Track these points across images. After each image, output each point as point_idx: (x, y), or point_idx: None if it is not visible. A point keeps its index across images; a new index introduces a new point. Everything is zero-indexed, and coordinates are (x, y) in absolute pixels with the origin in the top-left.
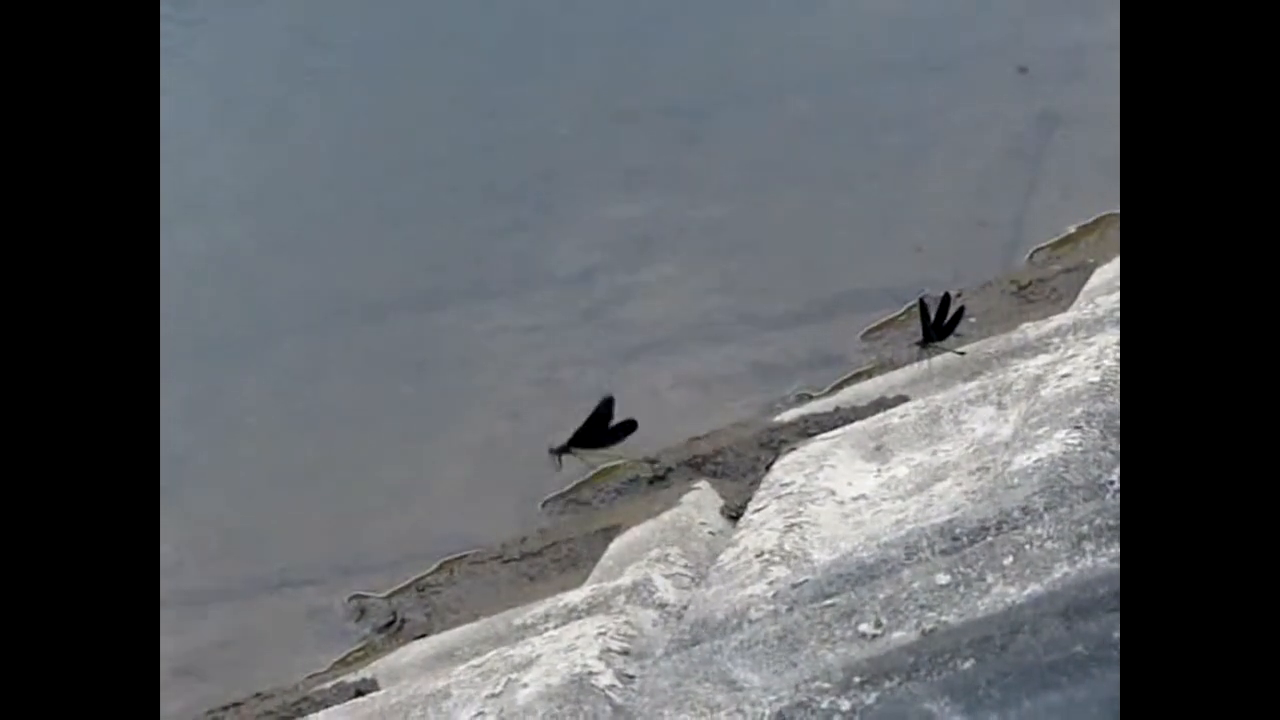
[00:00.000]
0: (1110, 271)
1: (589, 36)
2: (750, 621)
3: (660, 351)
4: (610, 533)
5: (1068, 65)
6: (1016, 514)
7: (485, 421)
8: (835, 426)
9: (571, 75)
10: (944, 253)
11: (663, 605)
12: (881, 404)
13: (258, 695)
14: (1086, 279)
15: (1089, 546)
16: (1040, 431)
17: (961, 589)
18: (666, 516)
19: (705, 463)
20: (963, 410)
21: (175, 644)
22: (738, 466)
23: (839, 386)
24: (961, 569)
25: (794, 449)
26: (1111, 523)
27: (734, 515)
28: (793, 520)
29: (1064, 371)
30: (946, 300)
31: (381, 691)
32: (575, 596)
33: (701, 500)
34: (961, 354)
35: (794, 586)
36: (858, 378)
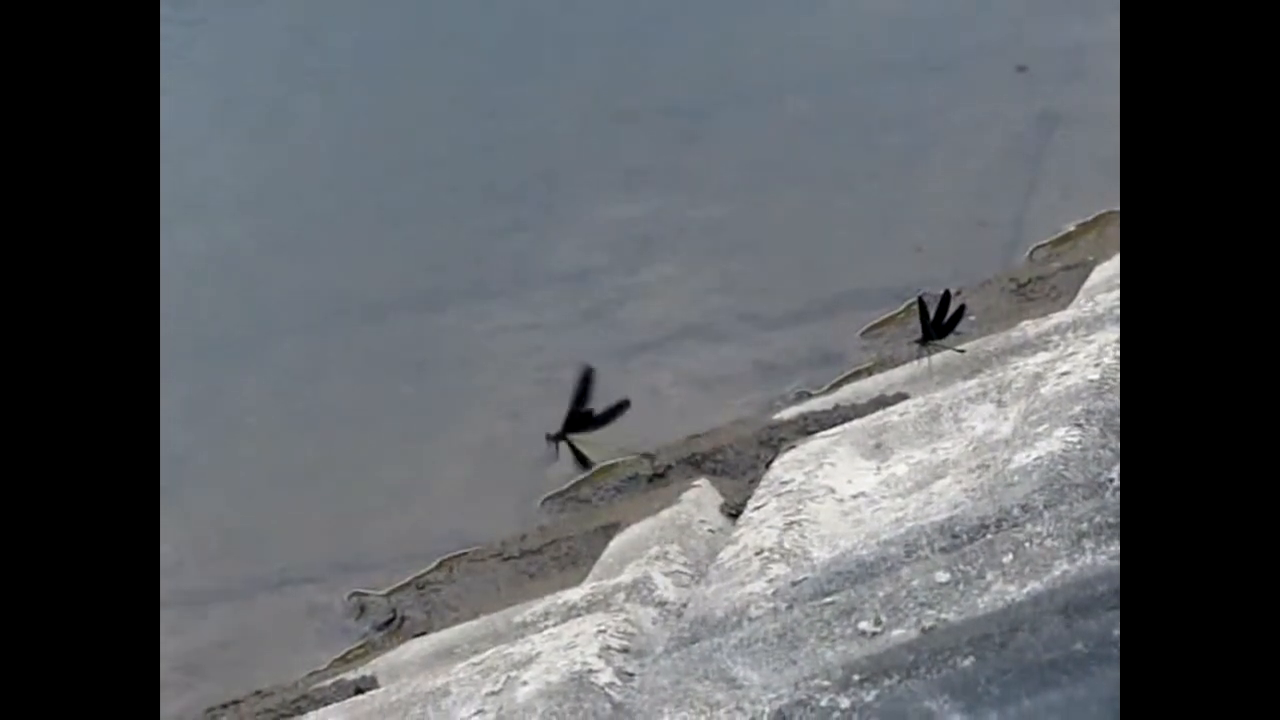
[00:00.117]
0: (1110, 269)
1: (589, 36)
2: (750, 619)
3: (660, 350)
4: (610, 530)
5: (1067, 64)
6: (1016, 512)
7: (485, 420)
8: (835, 424)
9: (571, 75)
10: (944, 251)
11: (662, 603)
12: (881, 402)
13: (258, 693)
14: (1086, 277)
15: (1089, 544)
16: (1040, 429)
17: (961, 587)
18: (666, 514)
19: (705, 460)
20: (962, 408)
21: (175, 642)
22: (737, 464)
23: (839, 384)
24: (961, 567)
25: (794, 447)
26: (1111, 520)
27: (734, 513)
28: (792, 518)
29: (1063, 369)
30: (946, 298)
31: (381, 689)
32: (575, 594)
33: (701, 498)
34: (961, 352)
35: (794, 584)
36: (857, 376)
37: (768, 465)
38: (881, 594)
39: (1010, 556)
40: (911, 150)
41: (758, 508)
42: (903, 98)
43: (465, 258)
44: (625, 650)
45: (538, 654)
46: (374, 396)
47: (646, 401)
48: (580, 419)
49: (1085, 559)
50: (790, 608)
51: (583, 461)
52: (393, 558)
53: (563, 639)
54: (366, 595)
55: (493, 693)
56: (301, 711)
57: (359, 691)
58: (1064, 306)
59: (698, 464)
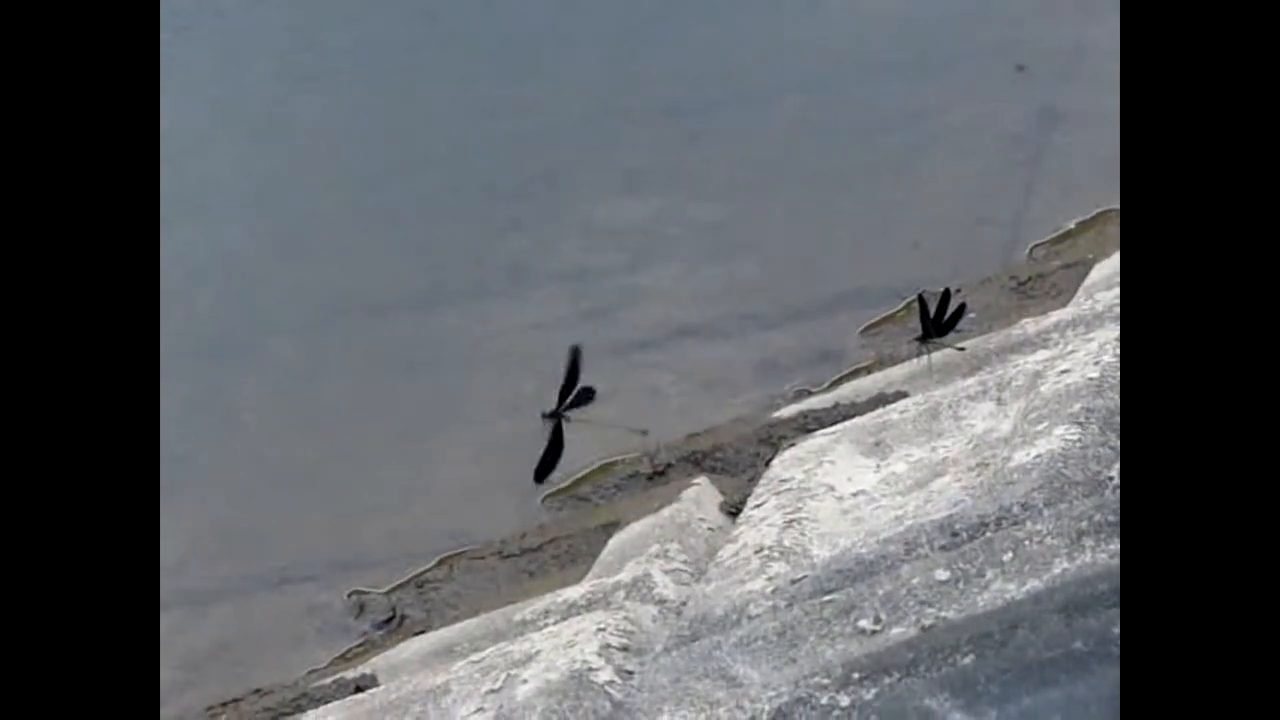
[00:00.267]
0: (1109, 267)
1: (589, 36)
2: (749, 617)
3: (660, 349)
4: (610, 529)
5: (1067, 64)
6: (1016, 510)
7: (485, 419)
8: (835, 422)
9: (571, 75)
10: (944, 250)
11: (662, 601)
12: (881, 400)
13: (258, 691)
14: (1086, 275)
15: (1088, 542)
16: (1040, 427)
17: (961, 585)
18: (666, 512)
19: (705, 459)
20: (962, 406)
21: (176, 641)
22: (737, 462)
23: (838, 383)
24: (961, 565)
25: (793, 445)
26: (1111, 519)
27: (733, 511)
28: (792, 516)
29: (1063, 367)
30: (947, 297)
31: (381, 687)
32: (574, 592)
33: (701, 496)
34: (961, 350)
35: (793, 582)
36: (857, 374)
37: (767, 463)
38: (881, 592)
39: (1010, 554)
40: (911, 149)
41: (757, 506)
42: (902, 97)
43: (465, 258)
44: (625, 648)
45: (537, 652)
46: (374, 395)
47: (647, 400)
48: (572, 398)
49: (1085, 557)
50: (790, 606)
51: (555, 445)
52: (392, 556)
53: (562, 637)
54: (366, 594)
55: (493, 691)
56: (301, 710)
57: (359, 690)
58: (1064, 304)
59: (698, 462)
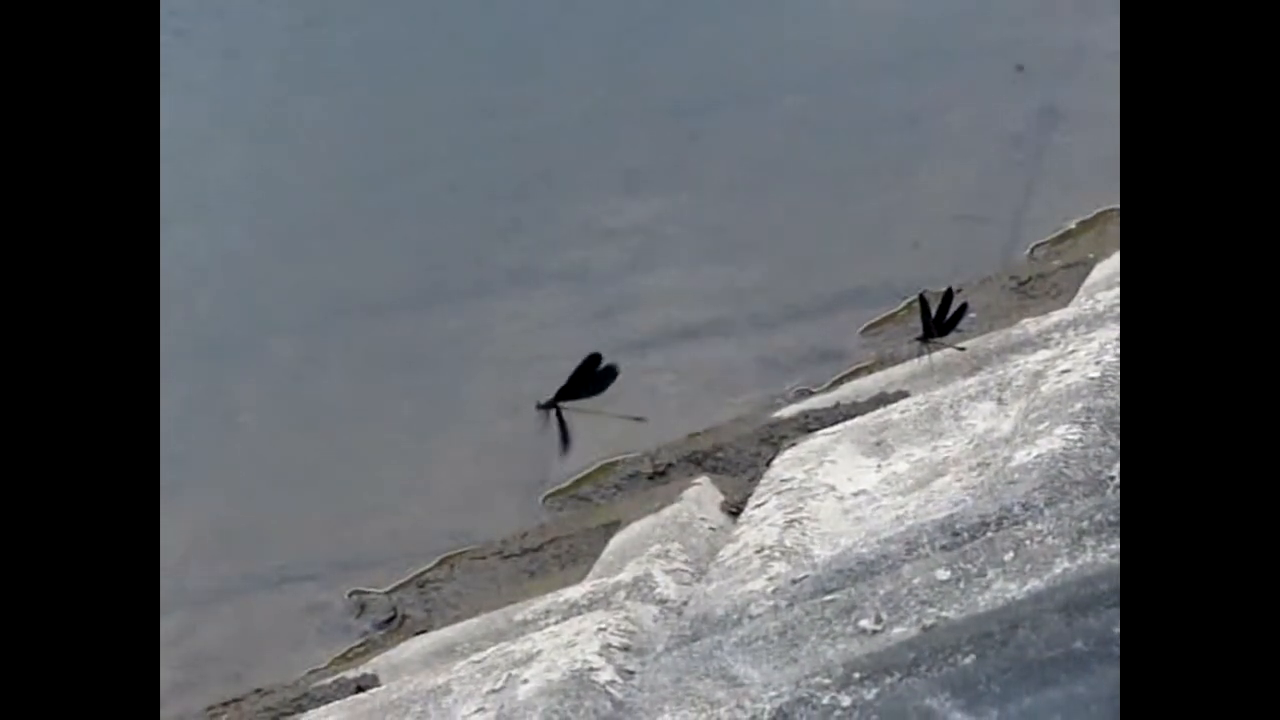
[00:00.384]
0: (1110, 267)
1: (589, 36)
2: (750, 617)
3: (660, 348)
4: (611, 528)
5: (1067, 64)
6: (1017, 510)
7: (485, 418)
8: (835, 422)
9: (571, 75)
10: (944, 249)
11: (663, 601)
12: (882, 400)
13: (258, 691)
14: (1086, 275)
15: (1089, 542)
16: (1041, 427)
17: (962, 585)
18: (667, 512)
19: (706, 458)
20: (963, 406)
21: (176, 641)
22: (738, 462)
23: (839, 382)
24: (962, 565)
25: (794, 445)
26: (1112, 518)
27: (734, 511)
28: (793, 516)
29: (1064, 367)
30: (948, 296)
31: (382, 687)
32: (575, 592)
33: (702, 496)
34: (962, 349)
35: (794, 582)
36: (858, 373)
37: (768, 463)
38: (882, 592)
39: (1011, 554)
40: (911, 149)
41: (758, 505)
42: (902, 97)
43: (465, 258)
44: (626, 648)
45: (538, 652)
46: (374, 395)
47: (647, 400)
48: (572, 391)
49: (1086, 557)
50: (791, 605)
51: (565, 439)
52: (393, 556)
53: (563, 637)
54: (367, 593)
55: (494, 691)
56: (302, 710)
57: (360, 690)
58: (1064, 304)
59: (698, 462)
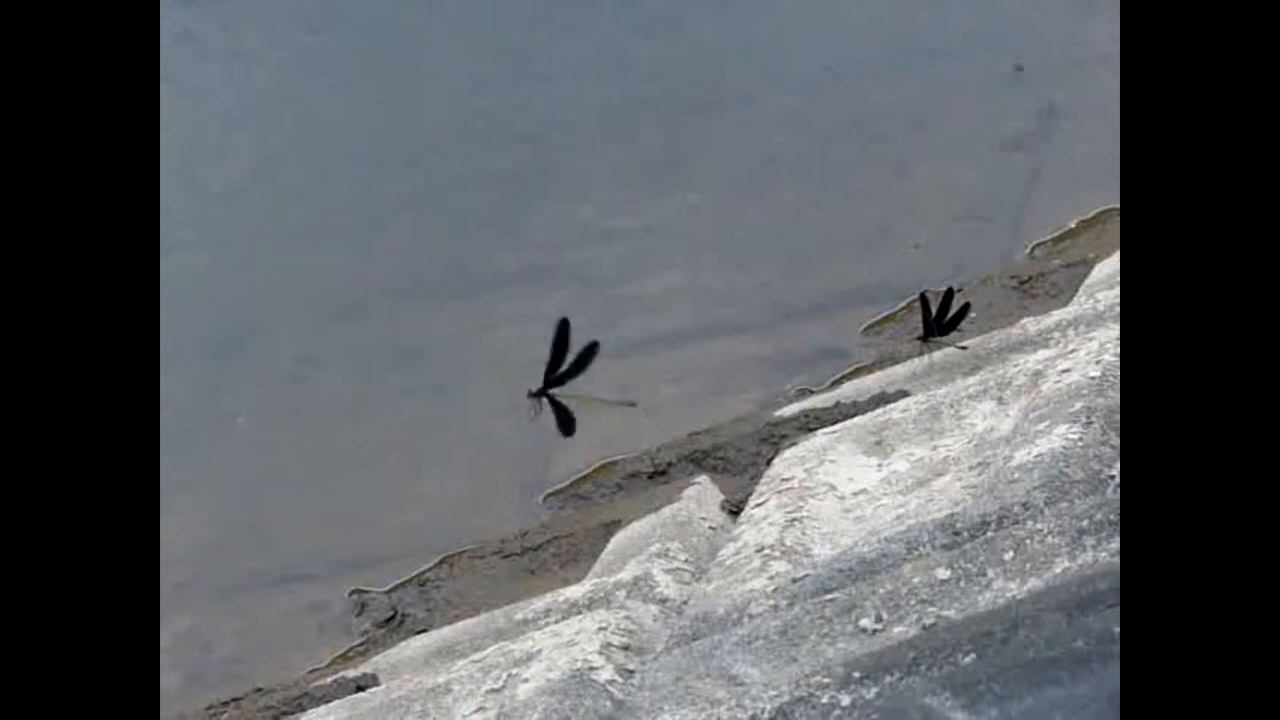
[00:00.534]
0: (1110, 266)
1: (589, 35)
2: (751, 616)
3: (661, 346)
4: (611, 527)
5: (1067, 63)
6: (1017, 509)
7: (486, 417)
8: (836, 421)
9: (573, 75)
10: (944, 249)
11: (663, 600)
12: (882, 399)
13: (258, 690)
14: (1087, 274)
15: (1089, 541)
16: (1041, 426)
17: (962, 584)
18: (667, 511)
19: (706, 457)
20: (963, 405)
21: (175, 640)
22: (738, 461)
23: (839, 381)
24: (962, 564)
25: (794, 444)
26: (1112, 517)
27: (734, 510)
28: (793, 515)
29: (1064, 366)
30: (949, 296)
31: (382, 687)
32: (576, 591)
33: (702, 495)
34: (963, 349)
35: (794, 581)
36: (858, 373)
37: (769, 462)
38: (882, 591)
39: (1011, 553)
40: (911, 149)
41: (759, 505)
42: (902, 97)
43: (466, 255)
44: (626, 647)
45: (539, 651)
46: (373, 395)
47: (647, 400)
48: (558, 375)
49: (1086, 556)
50: (791, 605)
51: (564, 424)
52: (393, 555)
53: (564, 636)
54: (367, 592)
55: (493, 690)
56: (303, 709)
57: (360, 689)
58: (1065, 304)
59: (699, 461)
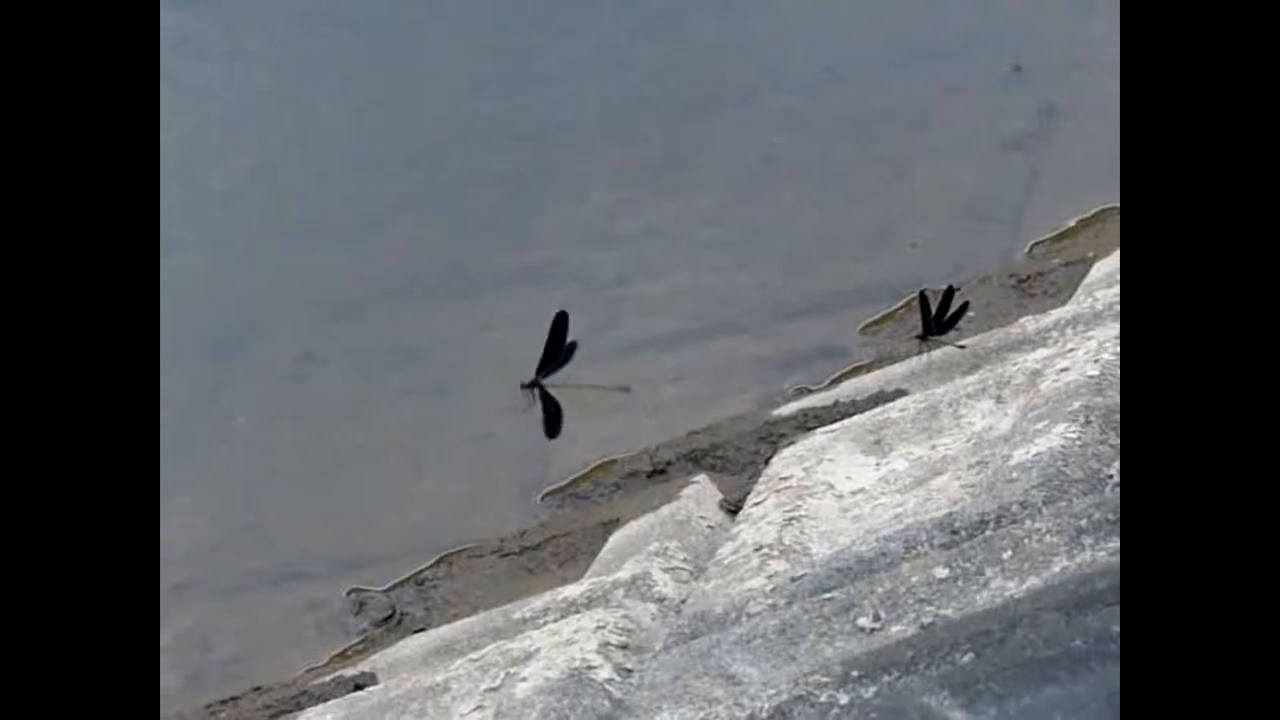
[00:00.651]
0: (1109, 265)
1: (589, 35)
2: (749, 615)
3: (659, 346)
4: (609, 526)
5: (1067, 63)
6: (1015, 508)
7: (484, 416)
8: (834, 420)
9: (572, 73)
10: (943, 248)
11: (661, 599)
12: (880, 398)
13: (256, 689)
14: (1086, 273)
15: (1088, 540)
16: (1039, 425)
17: (960, 583)
18: (665, 510)
19: (704, 456)
20: (961, 404)
21: (174, 639)
22: (737, 460)
23: (838, 380)
24: (960, 563)
25: (793, 443)
26: (1110, 516)
27: (733, 509)
28: (791, 514)
29: (1063, 365)
30: (949, 295)
31: (380, 686)
32: (574, 590)
33: (700, 494)
34: (961, 348)
35: (793, 580)
36: (856, 372)
37: (767, 461)
38: (880, 590)
39: (1009, 553)
40: (911, 148)
41: (757, 504)
42: (902, 96)
43: (465, 258)
44: (624, 646)
45: (537, 650)
46: (374, 393)
47: (647, 399)
48: (551, 364)
49: (1084, 555)
50: (789, 604)
51: (550, 423)
52: (392, 554)
53: (562, 635)
54: (365, 591)
55: (491, 689)
56: (301, 708)
57: (358, 688)
58: (1064, 303)
59: (697, 460)
